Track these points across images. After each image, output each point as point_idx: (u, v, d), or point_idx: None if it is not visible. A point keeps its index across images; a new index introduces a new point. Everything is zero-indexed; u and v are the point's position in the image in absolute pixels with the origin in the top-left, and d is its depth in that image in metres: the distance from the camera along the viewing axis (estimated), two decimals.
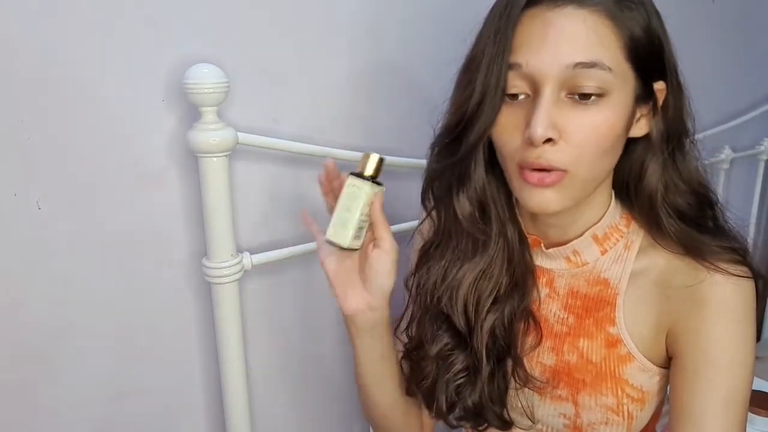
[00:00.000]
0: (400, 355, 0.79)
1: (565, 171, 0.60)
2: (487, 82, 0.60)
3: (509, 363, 0.72)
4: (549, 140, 0.58)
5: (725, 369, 0.63)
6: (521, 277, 0.71)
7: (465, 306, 0.71)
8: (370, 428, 1.04)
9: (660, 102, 0.64)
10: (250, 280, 0.84)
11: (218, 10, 0.74)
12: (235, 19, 0.76)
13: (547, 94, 0.58)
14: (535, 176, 0.60)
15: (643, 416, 0.70)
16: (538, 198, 0.61)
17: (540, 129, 0.57)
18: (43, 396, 0.72)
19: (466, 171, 0.67)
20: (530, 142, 0.59)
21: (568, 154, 0.59)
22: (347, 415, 1.03)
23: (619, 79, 0.59)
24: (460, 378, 0.73)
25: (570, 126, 0.58)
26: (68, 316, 0.72)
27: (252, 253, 0.81)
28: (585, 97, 0.58)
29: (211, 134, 0.71)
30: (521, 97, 0.60)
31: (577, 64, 0.57)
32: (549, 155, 0.59)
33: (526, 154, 0.60)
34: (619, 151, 0.64)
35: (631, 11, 0.59)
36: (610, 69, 0.57)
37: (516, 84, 0.60)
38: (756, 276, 0.65)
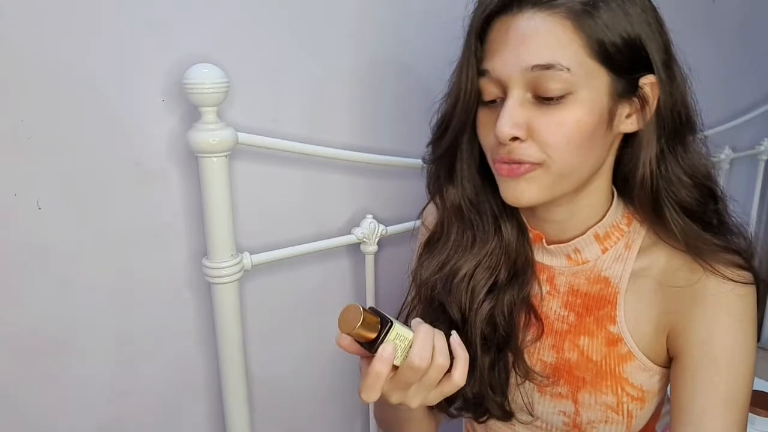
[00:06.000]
0: None
1: (539, 164, 0.61)
2: (459, 86, 0.64)
3: (509, 355, 0.72)
4: (517, 139, 0.61)
5: (725, 369, 0.63)
6: (521, 267, 0.72)
7: (460, 295, 0.72)
8: (371, 427, 1.04)
9: (653, 96, 0.63)
10: (250, 280, 0.84)
11: (218, 10, 0.75)
12: (235, 19, 0.76)
13: (513, 95, 0.60)
14: (505, 168, 0.63)
15: (643, 415, 0.70)
16: (512, 189, 0.64)
17: (505, 128, 0.60)
18: (43, 396, 0.72)
19: (452, 167, 0.71)
20: (498, 141, 0.61)
21: (536, 150, 0.61)
22: (347, 414, 1.03)
23: (581, 77, 0.59)
24: None
25: (536, 125, 0.60)
26: (68, 316, 0.72)
27: (252, 253, 0.81)
28: (549, 96, 0.59)
29: (211, 134, 0.71)
30: (497, 99, 0.63)
31: (535, 66, 0.59)
32: (520, 151, 0.61)
33: (498, 150, 0.63)
34: (600, 149, 0.64)
35: (598, 11, 0.58)
36: (568, 69, 0.58)
37: (489, 88, 0.63)
38: (757, 281, 0.65)
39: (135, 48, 0.70)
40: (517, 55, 0.59)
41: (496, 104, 0.63)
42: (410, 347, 0.55)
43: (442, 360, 0.57)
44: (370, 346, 0.54)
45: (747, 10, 1.69)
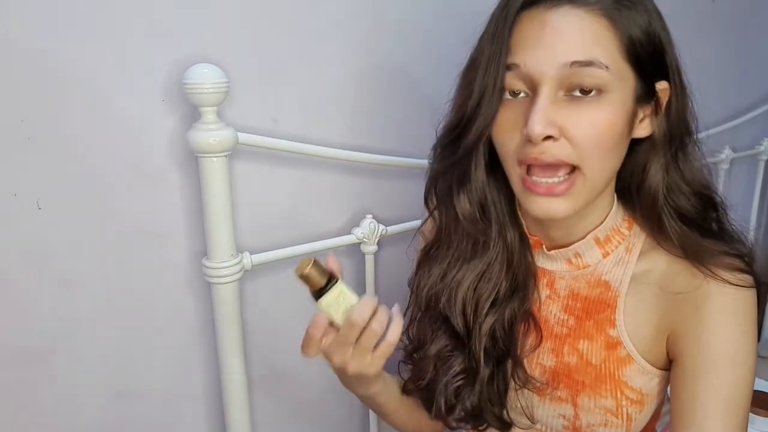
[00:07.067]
0: (401, 356, 0.79)
1: (575, 166, 0.60)
2: (485, 82, 0.61)
3: (509, 364, 0.72)
4: (549, 138, 0.59)
5: (726, 371, 0.62)
6: (522, 280, 0.71)
7: (463, 307, 0.71)
8: (370, 426, 1.04)
9: (663, 102, 0.64)
10: (250, 280, 0.84)
11: (218, 10, 0.74)
12: (235, 19, 0.76)
13: (545, 92, 0.58)
14: (542, 187, 0.60)
15: (642, 418, 0.70)
16: (546, 205, 0.61)
17: (538, 126, 0.57)
18: (43, 396, 0.72)
19: (467, 171, 0.68)
20: (529, 140, 0.59)
21: (570, 150, 0.59)
22: (347, 414, 1.03)
23: (616, 77, 0.58)
24: (459, 380, 0.73)
25: (569, 124, 0.58)
26: (68, 316, 0.72)
27: (252, 253, 0.81)
28: (583, 94, 0.58)
29: (211, 134, 0.71)
30: (520, 95, 0.61)
31: (573, 63, 0.57)
32: (554, 150, 0.59)
33: (527, 151, 0.60)
34: (622, 152, 0.64)
35: (630, 11, 0.59)
36: (606, 67, 0.58)
37: (513, 84, 0.60)
38: (757, 284, 0.65)
39: (135, 48, 0.69)
40: (554, 51, 0.57)
41: (518, 101, 0.61)
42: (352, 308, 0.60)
43: (377, 326, 0.60)
44: (318, 295, 0.60)
45: (746, 10, 1.69)
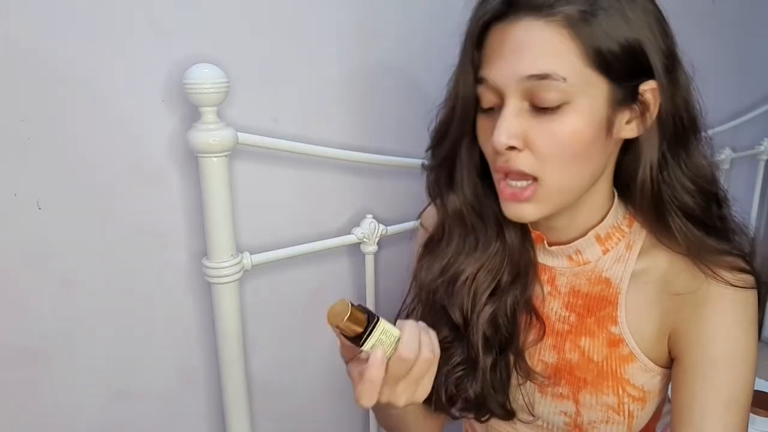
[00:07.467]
0: None
1: (535, 179, 0.61)
2: (457, 94, 0.64)
3: (511, 355, 0.72)
4: (514, 148, 0.60)
5: (726, 370, 0.63)
6: (523, 270, 0.72)
7: (461, 299, 0.72)
8: (371, 427, 1.04)
9: (652, 102, 0.62)
10: (250, 280, 0.84)
11: (218, 10, 0.75)
12: (235, 19, 0.76)
13: (510, 104, 0.60)
14: (508, 191, 0.63)
15: (644, 415, 0.70)
16: (512, 209, 0.64)
17: (502, 137, 0.59)
18: (43, 396, 0.72)
19: (452, 173, 0.70)
20: (495, 150, 0.61)
21: (533, 161, 0.60)
22: (347, 414, 1.03)
23: (579, 87, 0.58)
24: (459, 371, 0.73)
25: (533, 135, 0.60)
26: (68, 316, 0.72)
27: (252, 253, 0.81)
28: (545, 106, 0.59)
29: (211, 134, 0.71)
30: (495, 107, 0.62)
31: (530, 76, 0.58)
32: (517, 160, 0.61)
33: (497, 159, 0.62)
34: (599, 156, 0.63)
35: (597, 17, 0.57)
36: (564, 79, 0.57)
37: (487, 96, 0.62)
38: (758, 284, 0.66)
39: (135, 48, 0.69)
40: (513, 65, 0.58)
41: (495, 111, 0.62)
42: (397, 342, 0.56)
43: (428, 353, 0.57)
44: (357, 340, 0.56)
45: (747, 10, 1.69)
